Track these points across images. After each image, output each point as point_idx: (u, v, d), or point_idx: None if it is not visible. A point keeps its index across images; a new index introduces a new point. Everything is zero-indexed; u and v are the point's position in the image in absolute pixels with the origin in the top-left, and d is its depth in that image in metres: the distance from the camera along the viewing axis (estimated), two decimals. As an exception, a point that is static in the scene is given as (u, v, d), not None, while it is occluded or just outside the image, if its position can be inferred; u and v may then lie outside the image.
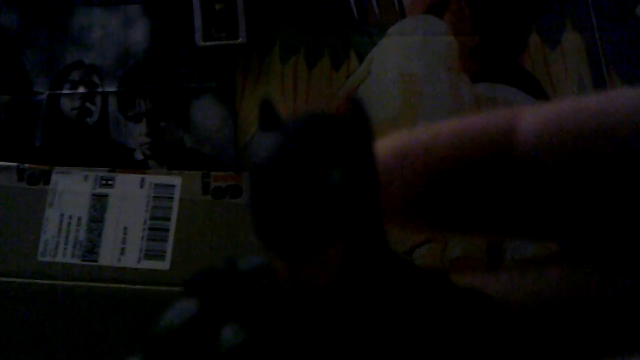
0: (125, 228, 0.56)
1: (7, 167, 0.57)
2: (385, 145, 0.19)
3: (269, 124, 0.14)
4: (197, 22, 0.75)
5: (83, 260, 0.55)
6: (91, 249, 0.56)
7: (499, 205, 0.16)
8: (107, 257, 0.56)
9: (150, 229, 0.56)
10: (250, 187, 0.13)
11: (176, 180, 0.56)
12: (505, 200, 0.16)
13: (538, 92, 0.74)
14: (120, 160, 0.75)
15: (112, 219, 0.56)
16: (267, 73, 0.76)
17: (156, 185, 0.57)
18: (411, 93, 0.74)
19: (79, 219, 0.56)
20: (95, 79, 0.77)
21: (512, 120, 0.16)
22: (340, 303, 0.13)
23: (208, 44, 0.75)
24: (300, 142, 0.13)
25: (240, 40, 0.74)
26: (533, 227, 0.17)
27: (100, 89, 0.76)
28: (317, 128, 0.14)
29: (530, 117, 0.16)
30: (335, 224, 0.13)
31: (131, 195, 0.56)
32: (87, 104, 0.76)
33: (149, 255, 0.55)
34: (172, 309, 0.14)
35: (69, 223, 0.56)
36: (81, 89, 0.77)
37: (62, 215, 0.56)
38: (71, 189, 0.57)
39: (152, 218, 0.56)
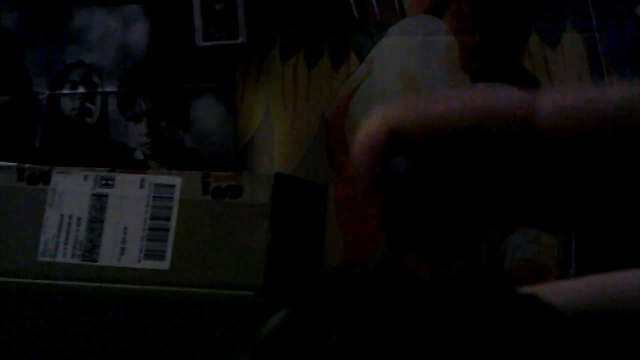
0: (125, 228, 0.56)
1: (7, 167, 0.57)
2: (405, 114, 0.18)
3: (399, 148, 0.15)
4: (197, 22, 0.75)
5: (83, 260, 0.55)
6: (91, 249, 0.56)
7: (520, 185, 0.16)
8: (107, 257, 0.56)
9: (150, 229, 0.56)
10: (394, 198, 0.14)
11: (176, 180, 0.56)
12: (525, 180, 0.16)
13: (538, 92, 0.74)
14: (120, 160, 0.75)
15: (112, 219, 0.56)
16: (267, 73, 0.76)
17: (156, 185, 0.57)
18: (411, 93, 0.74)
19: (79, 219, 0.56)
20: (95, 79, 0.77)
21: (533, 101, 0.17)
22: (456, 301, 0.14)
23: (208, 44, 0.75)
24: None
25: (240, 40, 0.74)
26: (550, 212, 0.17)
27: (100, 89, 0.76)
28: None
29: (550, 98, 0.16)
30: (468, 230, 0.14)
31: (131, 195, 0.56)
32: (87, 104, 0.76)
33: (149, 255, 0.55)
34: (275, 317, 0.14)
35: (69, 223, 0.56)
36: (81, 89, 0.77)
37: (62, 215, 0.56)
38: (71, 189, 0.57)
39: (152, 218, 0.56)
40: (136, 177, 0.58)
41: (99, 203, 0.58)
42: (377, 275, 0.14)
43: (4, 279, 0.56)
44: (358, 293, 0.14)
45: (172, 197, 0.57)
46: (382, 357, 0.13)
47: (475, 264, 0.14)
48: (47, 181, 0.58)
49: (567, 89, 0.17)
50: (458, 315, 0.14)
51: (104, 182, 0.58)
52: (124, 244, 0.57)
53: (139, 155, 0.76)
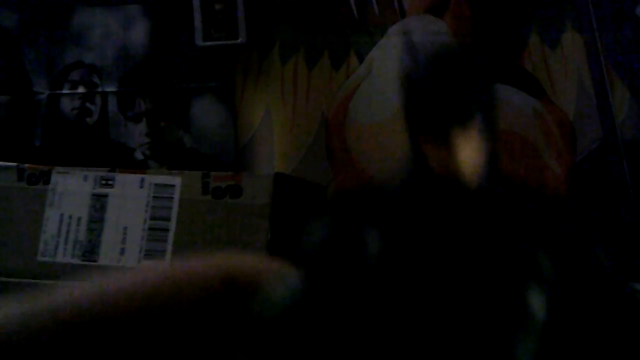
0: (125, 228, 0.56)
1: (7, 167, 0.57)
2: None
3: None
4: (197, 22, 0.75)
5: (83, 260, 0.55)
6: (91, 249, 0.56)
7: None
8: (107, 257, 0.56)
9: (150, 229, 0.56)
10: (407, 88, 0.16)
11: (176, 180, 0.56)
12: None
13: (538, 92, 0.74)
14: (120, 160, 0.75)
15: (112, 219, 0.56)
16: (267, 73, 0.76)
17: (156, 185, 0.57)
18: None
19: (79, 219, 0.56)
20: (95, 79, 0.77)
21: None
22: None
23: (208, 44, 0.75)
24: None
25: (240, 40, 0.74)
26: None
27: (100, 89, 0.76)
28: None
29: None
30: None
31: (131, 195, 0.56)
32: (87, 104, 0.76)
33: (149, 255, 0.55)
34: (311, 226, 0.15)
35: (69, 223, 0.56)
36: (81, 89, 0.77)
37: (62, 215, 0.56)
38: (71, 189, 0.57)
39: (152, 218, 0.56)
40: (136, 177, 0.58)
41: (98, 203, 0.58)
42: (407, 181, 0.15)
43: (4, 279, 0.56)
44: (391, 198, 0.14)
45: (172, 197, 0.57)
46: (414, 259, 0.13)
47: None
48: (47, 181, 0.58)
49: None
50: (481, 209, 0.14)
51: (103, 182, 0.58)
52: (124, 244, 0.57)
53: (139, 155, 0.76)
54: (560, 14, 0.76)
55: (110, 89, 0.76)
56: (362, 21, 0.76)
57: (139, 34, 0.77)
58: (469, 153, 0.14)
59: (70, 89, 0.77)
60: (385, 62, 0.75)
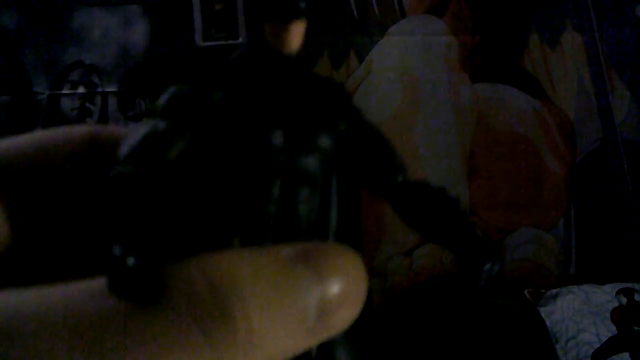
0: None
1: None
2: None
3: None
4: (197, 22, 0.75)
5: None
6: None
7: None
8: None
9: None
10: None
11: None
12: None
13: (538, 92, 0.74)
14: (120, 160, 0.75)
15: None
16: (267, 73, 0.76)
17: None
18: (411, 93, 0.74)
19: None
20: (95, 79, 0.77)
21: None
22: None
23: (208, 44, 0.75)
24: None
25: (240, 40, 0.74)
26: None
27: (100, 89, 0.76)
28: None
29: None
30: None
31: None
32: (87, 104, 0.76)
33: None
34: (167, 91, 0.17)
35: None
36: (81, 89, 0.77)
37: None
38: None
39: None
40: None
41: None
42: (249, 51, 0.17)
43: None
44: (235, 65, 0.17)
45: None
46: (254, 110, 0.16)
47: None
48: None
49: None
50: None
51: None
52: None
53: (139, 155, 0.75)
54: (560, 14, 0.76)
55: (110, 89, 0.76)
56: (362, 21, 0.76)
57: (139, 34, 0.77)
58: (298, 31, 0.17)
59: (70, 89, 0.77)
60: (385, 62, 0.75)
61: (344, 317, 0.15)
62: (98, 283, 0.14)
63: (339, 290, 0.15)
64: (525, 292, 0.66)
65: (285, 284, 0.15)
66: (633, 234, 0.70)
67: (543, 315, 0.63)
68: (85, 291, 0.14)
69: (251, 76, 0.17)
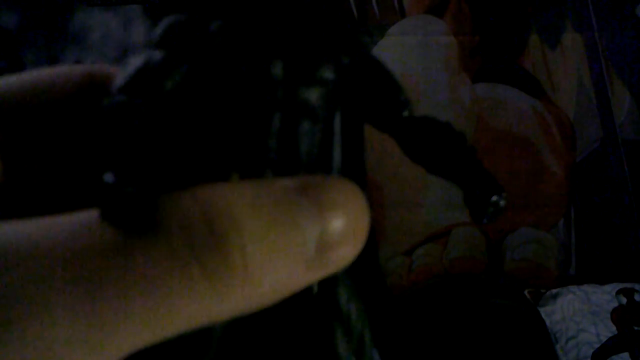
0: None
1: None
2: None
3: None
4: (197, 22, 0.75)
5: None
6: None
7: None
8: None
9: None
10: None
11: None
12: None
13: (538, 92, 0.74)
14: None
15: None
16: (267, 73, 0.76)
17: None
18: (411, 93, 0.74)
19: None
20: (95, 79, 0.77)
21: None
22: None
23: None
24: None
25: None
26: None
27: (100, 89, 0.76)
28: None
29: None
30: None
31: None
32: (87, 104, 0.76)
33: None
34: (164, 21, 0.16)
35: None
36: (81, 89, 0.77)
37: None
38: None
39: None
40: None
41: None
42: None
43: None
44: None
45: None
46: (252, 39, 0.15)
47: None
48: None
49: None
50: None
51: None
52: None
53: (139, 155, 0.76)
54: (560, 14, 0.76)
55: (110, 89, 0.77)
56: (362, 21, 0.76)
57: (139, 34, 0.77)
58: None
59: (70, 89, 0.77)
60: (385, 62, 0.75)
61: (345, 254, 0.15)
62: (91, 214, 0.14)
63: (340, 225, 0.15)
64: (525, 292, 0.66)
65: (283, 215, 0.14)
66: (633, 233, 0.70)
67: (543, 315, 0.63)
68: (80, 222, 0.14)
69: (251, 4, 0.16)
